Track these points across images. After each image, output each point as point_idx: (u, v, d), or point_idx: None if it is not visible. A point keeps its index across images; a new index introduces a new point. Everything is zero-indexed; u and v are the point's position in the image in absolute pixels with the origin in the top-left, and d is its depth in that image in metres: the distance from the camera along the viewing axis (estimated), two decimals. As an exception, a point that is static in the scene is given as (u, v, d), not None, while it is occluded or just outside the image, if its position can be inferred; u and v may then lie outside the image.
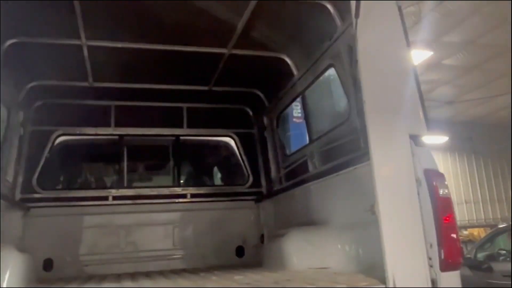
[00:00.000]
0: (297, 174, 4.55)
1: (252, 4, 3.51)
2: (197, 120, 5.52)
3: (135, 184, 5.53)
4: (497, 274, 8.87)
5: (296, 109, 7.62)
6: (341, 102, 3.82)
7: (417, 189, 2.47)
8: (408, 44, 2.72)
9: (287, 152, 5.08)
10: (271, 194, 5.23)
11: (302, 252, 3.69)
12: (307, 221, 4.10)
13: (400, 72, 2.68)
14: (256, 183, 5.54)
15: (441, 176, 2.51)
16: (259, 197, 5.47)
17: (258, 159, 5.59)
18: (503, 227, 12.05)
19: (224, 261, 5.18)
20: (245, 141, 5.62)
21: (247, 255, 5.32)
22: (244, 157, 5.61)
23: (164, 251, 5.10)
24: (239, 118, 5.68)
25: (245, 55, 4.39)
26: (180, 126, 5.44)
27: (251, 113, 5.68)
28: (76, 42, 3.93)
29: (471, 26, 11.73)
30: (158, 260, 5.01)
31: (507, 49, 12.88)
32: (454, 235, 2.42)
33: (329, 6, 3.50)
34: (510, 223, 12.09)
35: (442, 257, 2.37)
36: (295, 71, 4.44)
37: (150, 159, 5.96)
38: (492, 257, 9.68)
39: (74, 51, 4.07)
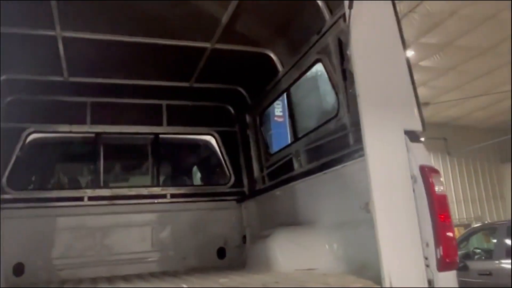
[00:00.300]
0: (282, 173, 4.43)
1: None
2: (177, 117, 5.34)
3: (112, 184, 5.31)
4: (473, 272, 9.00)
5: (277, 108, 7.52)
6: (328, 98, 3.72)
7: (413, 186, 2.38)
8: (402, 37, 2.64)
9: (271, 151, 4.95)
10: (254, 194, 5.10)
11: (288, 252, 3.57)
12: (293, 221, 3.98)
13: (394, 66, 2.59)
14: (238, 182, 5.40)
15: (436, 172, 2.43)
16: (241, 197, 5.33)
17: (240, 158, 5.45)
18: (477, 226, 12.27)
19: (205, 263, 5.03)
20: (226, 140, 5.47)
21: (229, 256, 5.18)
22: (225, 156, 5.46)
23: (142, 254, 4.91)
24: (221, 116, 5.53)
25: (229, 50, 4.24)
26: (159, 124, 5.26)
27: (233, 111, 5.53)
28: (51, 33, 3.71)
29: (449, 28, 11.89)
30: (136, 263, 4.82)
31: (483, 51, 13.11)
32: (450, 234, 2.34)
33: None
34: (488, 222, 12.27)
35: (439, 256, 2.29)
36: (280, 67, 4.32)
37: (128, 158, 5.73)
38: (468, 256, 9.82)
39: (49, 42, 3.84)
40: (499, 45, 12.62)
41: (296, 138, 4.22)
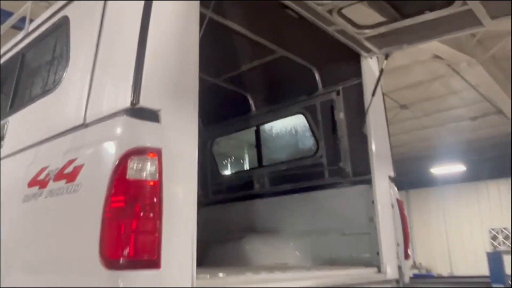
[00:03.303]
0: (236, 191, 5.45)
1: (270, 57, 4.46)
2: None
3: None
4: None
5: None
6: (302, 140, 5.07)
7: (393, 210, 3.97)
8: (386, 115, 4.27)
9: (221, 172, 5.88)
10: None
11: (263, 251, 4.65)
12: (251, 229, 5.04)
13: (382, 133, 4.19)
14: None
15: (403, 203, 4.08)
16: None
17: None
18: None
19: None
20: None
21: None
22: None
23: None
24: None
25: (218, 86, 5.13)
26: None
27: None
28: None
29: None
30: None
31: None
32: (408, 238, 3.99)
33: (315, 73, 4.74)
34: None
35: (405, 251, 3.90)
36: (253, 108, 5.40)
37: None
38: None
39: None
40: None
41: (260, 164, 5.34)
